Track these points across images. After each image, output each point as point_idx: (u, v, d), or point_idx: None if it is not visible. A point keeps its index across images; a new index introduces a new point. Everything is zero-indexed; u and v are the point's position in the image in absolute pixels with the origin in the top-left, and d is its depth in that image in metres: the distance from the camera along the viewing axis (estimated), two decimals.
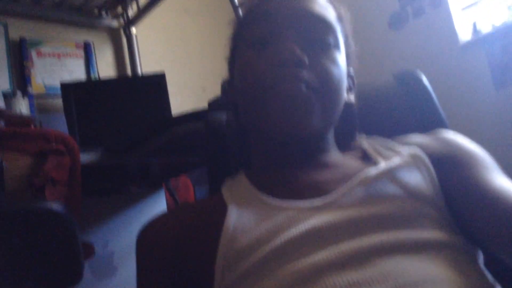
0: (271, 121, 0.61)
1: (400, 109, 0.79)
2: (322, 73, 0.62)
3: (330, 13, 0.66)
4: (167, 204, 1.85)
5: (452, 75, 2.39)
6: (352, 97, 0.72)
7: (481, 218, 0.53)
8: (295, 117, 0.60)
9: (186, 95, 2.63)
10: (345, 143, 0.72)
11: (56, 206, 0.93)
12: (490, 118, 2.26)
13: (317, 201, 0.56)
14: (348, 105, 0.71)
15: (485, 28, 2.41)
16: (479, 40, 2.40)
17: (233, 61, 0.72)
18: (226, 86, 0.76)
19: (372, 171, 0.58)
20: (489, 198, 0.53)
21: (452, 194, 0.58)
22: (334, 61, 0.64)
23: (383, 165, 0.59)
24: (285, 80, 0.60)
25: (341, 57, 0.66)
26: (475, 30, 2.45)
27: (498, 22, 2.37)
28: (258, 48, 0.64)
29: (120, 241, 1.63)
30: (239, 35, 0.70)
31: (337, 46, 0.65)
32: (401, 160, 0.59)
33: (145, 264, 0.63)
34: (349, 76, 0.72)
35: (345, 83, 0.67)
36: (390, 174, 0.57)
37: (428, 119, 0.73)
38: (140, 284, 0.63)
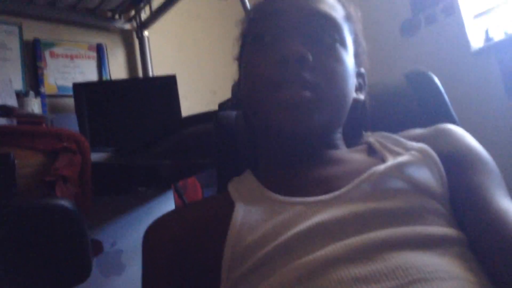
0: (274, 122, 0.61)
1: (411, 109, 0.79)
2: (326, 71, 0.62)
3: (337, 12, 0.66)
4: (175, 205, 1.86)
5: (463, 82, 2.37)
6: (362, 96, 0.72)
7: (478, 231, 0.53)
8: (298, 119, 0.59)
9: (196, 98, 2.64)
10: (352, 140, 0.72)
11: (66, 202, 0.93)
12: (502, 126, 2.24)
13: (324, 197, 0.56)
14: (358, 103, 0.71)
15: (498, 36, 2.40)
16: (491, 47, 2.38)
17: (241, 59, 0.73)
18: (236, 87, 0.76)
19: (381, 167, 0.58)
20: (490, 215, 0.53)
21: (455, 195, 0.57)
22: (339, 60, 0.63)
23: (391, 161, 0.59)
24: (287, 81, 0.60)
25: (347, 56, 0.65)
26: (487, 38, 2.44)
27: (511, 30, 2.35)
28: (263, 46, 0.65)
29: (128, 240, 1.64)
30: (247, 33, 0.71)
31: (343, 44, 0.65)
32: (410, 156, 0.59)
33: (151, 262, 0.63)
34: (359, 75, 0.72)
35: (351, 81, 0.67)
36: (398, 170, 0.57)
37: (439, 119, 0.73)
38: (146, 282, 0.63)
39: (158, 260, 0.62)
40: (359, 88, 0.72)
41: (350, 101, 0.67)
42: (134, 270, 1.61)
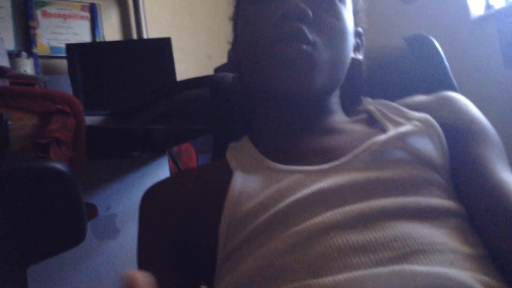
0: (273, 81, 0.60)
1: (410, 72, 0.78)
2: (326, 28, 0.61)
3: None
4: (170, 170, 1.86)
5: (462, 50, 2.35)
6: (360, 56, 0.71)
7: (477, 202, 0.53)
8: (297, 77, 0.59)
9: (192, 62, 2.60)
10: (351, 106, 0.71)
11: (60, 165, 0.93)
12: (498, 95, 2.24)
13: (324, 166, 0.55)
14: (355, 63, 0.70)
15: (498, 3, 2.36)
16: (491, 15, 2.35)
17: (237, 19, 0.71)
18: (232, 51, 0.75)
19: (382, 137, 0.57)
20: (491, 186, 0.53)
21: (456, 165, 0.57)
22: (339, 16, 0.62)
23: (392, 131, 0.58)
24: (287, 37, 0.59)
25: (347, 13, 0.65)
26: (488, 5, 2.40)
27: None
28: (262, 2, 0.63)
29: (122, 204, 1.64)
30: None
31: (342, 1, 0.64)
32: (412, 126, 0.58)
33: (148, 225, 0.63)
34: (357, 34, 0.71)
35: (350, 39, 0.66)
36: (400, 140, 0.56)
37: (438, 83, 0.72)
38: (142, 246, 0.63)
39: (155, 223, 0.62)
40: (357, 48, 0.71)
41: (348, 60, 0.66)
42: (128, 234, 1.62)
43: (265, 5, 0.63)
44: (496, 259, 0.49)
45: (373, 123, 0.64)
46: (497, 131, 0.61)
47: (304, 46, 0.58)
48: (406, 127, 0.58)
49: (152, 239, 0.62)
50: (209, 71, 1.78)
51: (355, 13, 0.69)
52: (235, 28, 0.73)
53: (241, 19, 0.68)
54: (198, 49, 2.74)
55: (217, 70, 1.80)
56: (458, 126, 0.59)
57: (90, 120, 1.30)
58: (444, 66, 0.77)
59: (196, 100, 1.40)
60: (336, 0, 0.63)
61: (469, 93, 0.67)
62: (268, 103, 0.67)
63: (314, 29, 0.60)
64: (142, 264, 0.62)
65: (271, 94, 0.64)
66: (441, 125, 0.59)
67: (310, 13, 0.59)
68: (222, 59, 1.24)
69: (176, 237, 0.60)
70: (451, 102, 0.63)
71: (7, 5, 2.08)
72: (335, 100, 0.68)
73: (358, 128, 0.64)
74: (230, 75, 0.83)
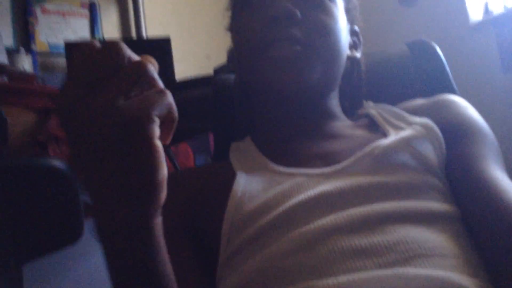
0: (269, 81, 0.61)
1: (412, 77, 0.79)
2: (316, 25, 0.61)
3: None
4: (167, 169, 1.85)
5: (461, 55, 2.36)
6: (357, 54, 0.71)
7: (470, 200, 0.53)
8: (292, 75, 0.59)
9: (191, 62, 2.60)
10: (352, 109, 0.72)
11: (58, 163, 0.93)
12: (496, 101, 2.25)
13: (326, 169, 0.56)
14: (353, 61, 0.70)
15: (497, 9, 2.37)
16: (490, 21, 2.36)
17: (232, 28, 0.72)
18: (231, 53, 0.75)
19: (384, 141, 0.57)
20: (483, 184, 0.52)
21: (450, 164, 0.57)
22: (329, 14, 0.63)
23: (394, 136, 0.58)
24: (278, 39, 0.59)
25: (337, 10, 0.65)
26: (487, 11, 2.41)
27: (510, 3, 2.33)
28: (251, 8, 0.64)
29: None
30: (232, 5, 0.70)
31: (332, 0, 0.64)
32: (413, 131, 0.58)
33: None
34: (353, 33, 0.72)
35: (344, 37, 0.66)
36: (402, 145, 0.56)
37: (440, 89, 0.72)
38: None
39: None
40: (354, 46, 0.71)
41: (343, 57, 0.66)
42: None
43: (255, 9, 0.63)
44: (486, 259, 0.49)
45: (374, 127, 0.65)
46: (496, 136, 0.61)
47: (295, 46, 0.59)
48: (407, 132, 0.58)
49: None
50: (208, 71, 1.78)
51: (348, 11, 0.69)
52: (232, 36, 0.73)
53: (234, 26, 0.69)
54: (197, 49, 2.74)
55: (216, 70, 1.80)
56: (456, 127, 0.60)
57: None
58: (446, 72, 0.78)
59: (196, 100, 1.39)
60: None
61: (468, 98, 0.68)
62: (267, 105, 0.67)
63: (304, 29, 0.60)
64: None
65: (268, 93, 0.64)
66: (439, 127, 0.59)
67: (298, 13, 0.60)
68: (221, 59, 1.25)
69: (181, 237, 0.59)
70: (449, 104, 0.63)
71: (6, 0, 2.07)
72: (334, 102, 0.68)
73: (360, 132, 0.64)
74: (232, 76, 0.84)
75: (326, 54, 0.62)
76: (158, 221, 0.37)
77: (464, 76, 2.26)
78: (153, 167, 0.34)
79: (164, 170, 0.35)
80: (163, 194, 0.36)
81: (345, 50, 0.66)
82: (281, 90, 0.60)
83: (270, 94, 0.63)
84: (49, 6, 2.22)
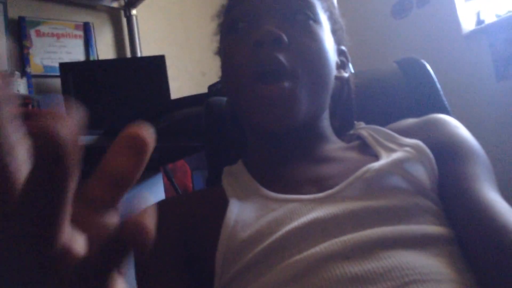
0: (256, 119, 0.60)
1: (403, 96, 0.79)
2: (303, 50, 0.61)
3: None
4: (164, 187, 1.85)
5: (454, 65, 2.37)
6: (345, 73, 0.71)
7: (463, 221, 0.53)
8: (280, 113, 0.59)
9: (186, 80, 2.61)
10: (343, 130, 0.71)
11: None
12: (490, 109, 2.25)
13: (319, 195, 0.55)
14: (342, 81, 0.70)
15: (489, 18, 2.39)
16: (482, 30, 2.38)
17: (220, 53, 0.72)
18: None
19: (375, 164, 0.57)
20: (476, 205, 0.52)
21: (443, 185, 0.57)
22: (315, 37, 0.63)
23: (386, 158, 0.58)
24: (266, 75, 0.59)
25: (323, 33, 0.65)
26: (479, 20, 2.43)
27: (502, 12, 2.35)
28: (237, 33, 0.64)
29: None
30: (222, 24, 0.70)
31: (317, 21, 0.64)
32: (404, 153, 0.58)
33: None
34: (340, 53, 0.71)
35: (331, 58, 0.66)
36: (393, 167, 0.56)
37: (431, 107, 0.73)
38: (140, 266, 0.61)
39: (159, 236, 0.59)
40: (341, 66, 0.71)
41: (331, 79, 0.66)
42: None
43: (240, 34, 0.63)
44: (481, 281, 0.48)
45: (366, 149, 0.64)
46: (489, 144, 0.61)
47: (286, 83, 0.58)
48: (399, 154, 0.58)
49: (152, 259, 0.59)
50: (203, 88, 1.78)
51: (334, 31, 0.69)
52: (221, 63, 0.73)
53: (222, 51, 0.69)
54: (192, 66, 2.75)
55: (211, 87, 1.81)
56: (447, 147, 0.59)
57: (84, 139, 1.29)
58: (437, 89, 0.78)
59: (192, 118, 1.39)
60: (310, 22, 0.63)
61: (462, 107, 0.68)
62: (256, 134, 0.67)
63: (291, 54, 0.60)
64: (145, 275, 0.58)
65: (257, 130, 0.64)
66: (431, 147, 0.59)
67: (284, 37, 0.59)
68: (216, 76, 1.25)
69: (180, 253, 0.58)
70: (441, 123, 0.63)
71: (0, 24, 2.08)
72: (325, 124, 0.68)
73: (352, 155, 0.64)
74: (224, 99, 0.83)
75: (313, 82, 0.61)
76: None
77: (458, 84, 2.27)
78: None
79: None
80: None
81: (333, 72, 0.66)
82: (268, 128, 0.60)
83: (257, 128, 0.63)
84: (43, 29, 2.23)
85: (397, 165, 0.56)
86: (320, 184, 0.58)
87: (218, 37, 0.73)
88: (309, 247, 0.49)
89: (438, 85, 0.78)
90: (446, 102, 0.77)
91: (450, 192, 0.56)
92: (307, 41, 0.62)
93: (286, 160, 0.64)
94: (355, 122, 0.71)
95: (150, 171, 1.81)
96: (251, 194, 0.59)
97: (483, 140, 0.63)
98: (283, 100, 0.58)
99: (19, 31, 2.15)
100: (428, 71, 0.79)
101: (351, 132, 0.70)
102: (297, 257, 0.48)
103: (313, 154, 0.64)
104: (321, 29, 0.64)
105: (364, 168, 0.56)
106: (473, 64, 2.38)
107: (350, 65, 0.75)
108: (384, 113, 0.75)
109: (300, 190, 0.57)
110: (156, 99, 2.06)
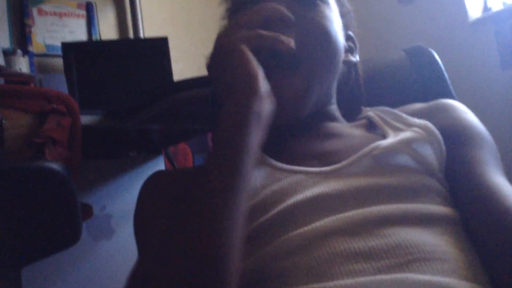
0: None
1: (410, 84, 0.78)
2: (312, 28, 0.60)
3: None
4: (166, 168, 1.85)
5: (460, 52, 2.35)
6: (353, 58, 0.70)
7: (469, 204, 0.53)
8: (287, 110, 0.58)
9: (188, 62, 2.59)
10: (350, 114, 0.71)
11: (55, 165, 0.92)
12: (495, 97, 2.24)
13: (325, 169, 0.55)
14: (350, 66, 0.69)
15: (496, 6, 2.37)
16: (489, 17, 2.35)
17: None
18: None
19: (384, 142, 0.56)
20: (482, 189, 0.52)
21: (451, 168, 0.57)
22: (324, 16, 0.62)
23: (393, 137, 0.58)
24: (275, 67, 0.57)
25: (333, 14, 0.64)
26: (486, 8, 2.41)
27: (509, 0, 2.32)
28: (239, 15, 0.61)
29: (117, 204, 1.63)
30: (229, 9, 0.69)
31: (326, 2, 0.63)
32: (413, 133, 0.57)
33: (148, 213, 0.60)
34: (348, 38, 0.70)
35: (340, 40, 0.65)
36: (401, 146, 0.56)
37: (438, 95, 0.72)
38: (144, 233, 0.60)
39: (157, 208, 0.60)
40: (349, 51, 0.70)
41: (340, 62, 0.65)
42: (123, 234, 1.61)
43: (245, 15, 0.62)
44: (486, 263, 0.48)
45: (373, 128, 0.64)
46: (495, 133, 0.61)
47: (292, 79, 0.58)
48: (407, 134, 0.57)
49: (151, 231, 0.59)
50: (206, 70, 1.78)
51: (342, 15, 0.68)
52: None
53: None
54: (195, 48, 2.73)
55: None
56: (455, 131, 0.59)
57: (85, 119, 1.29)
58: (444, 78, 0.78)
59: (194, 100, 1.39)
60: (318, 1, 0.62)
61: (467, 95, 0.68)
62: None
63: (299, 32, 0.59)
64: (144, 249, 0.59)
65: None
66: (439, 130, 0.58)
67: (291, 16, 0.58)
68: None
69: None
70: (449, 108, 0.63)
71: (2, 2, 2.06)
72: (333, 107, 0.68)
73: (359, 132, 0.63)
74: None
75: (322, 63, 0.61)
76: (252, 170, 0.47)
77: (463, 72, 2.25)
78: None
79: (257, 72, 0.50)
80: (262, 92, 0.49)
81: (342, 55, 0.65)
82: (276, 121, 0.58)
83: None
84: (45, 7, 2.21)
85: (406, 144, 0.56)
86: (326, 159, 0.57)
87: (225, 22, 0.72)
88: (313, 222, 0.48)
89: (446, 75, 0.78)
90: (453, 91, 0.77)
91: (457, 175, 0.56)
92: (318, 19, 0.61)
93: (292, 134, 0.63)
94: (362, 108, 0.70)
95: (151, 154, 1.81)
96: (257, 162, 0.59)
97: (487, 129, 0.63)
98: (292, 95, 0.58)
99: (21, 9, 2.13)
100: (436, 60, 0.79)
101: (359, 116, 0.70)
102: (300, 230, 0.48)
103: (320, 129, 0.63)
104: (329, 10, 0.63)
105: (372, 145, 0.56)
106: (479, 52, 2.36)
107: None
108: (391, 100, 0.75)
109: (306, 163, 0.57)
110: (158, 80, 2.06)
